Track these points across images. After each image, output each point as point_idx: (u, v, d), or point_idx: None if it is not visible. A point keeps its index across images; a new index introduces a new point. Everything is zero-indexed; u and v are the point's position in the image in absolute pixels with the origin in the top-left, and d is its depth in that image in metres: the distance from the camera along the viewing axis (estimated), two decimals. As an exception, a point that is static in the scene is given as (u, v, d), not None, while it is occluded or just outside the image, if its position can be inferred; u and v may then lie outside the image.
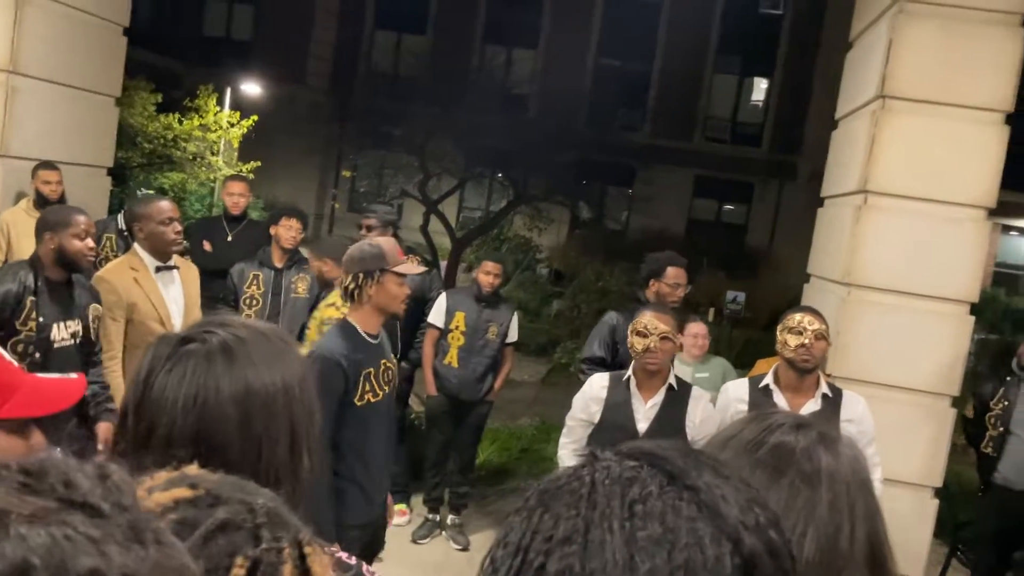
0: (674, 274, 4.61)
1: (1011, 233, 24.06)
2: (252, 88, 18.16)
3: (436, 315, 5.42)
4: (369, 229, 5.41)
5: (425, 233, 14.83)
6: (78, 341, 3.56)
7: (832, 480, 1.08)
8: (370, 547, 3.35)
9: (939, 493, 4.70)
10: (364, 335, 3.25)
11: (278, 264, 5.25)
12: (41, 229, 3.49)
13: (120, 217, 5.47)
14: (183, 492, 0.73)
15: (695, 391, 3.61)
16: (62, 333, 3.50)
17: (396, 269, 3.27)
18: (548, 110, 18.33)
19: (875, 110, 4.80)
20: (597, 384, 3.61)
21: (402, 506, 5.50)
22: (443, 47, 20.95)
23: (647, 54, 23.03)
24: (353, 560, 1.31)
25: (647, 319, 3.43)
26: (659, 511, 0.65)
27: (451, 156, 15.96)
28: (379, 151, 18.05)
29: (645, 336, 3.40)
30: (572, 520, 0.66)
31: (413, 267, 3.50)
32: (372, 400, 3.17)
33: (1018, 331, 17.28)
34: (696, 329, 5.45)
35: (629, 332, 3.49)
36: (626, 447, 0.72)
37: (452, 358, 5.36)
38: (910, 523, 4.53)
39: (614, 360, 4.47)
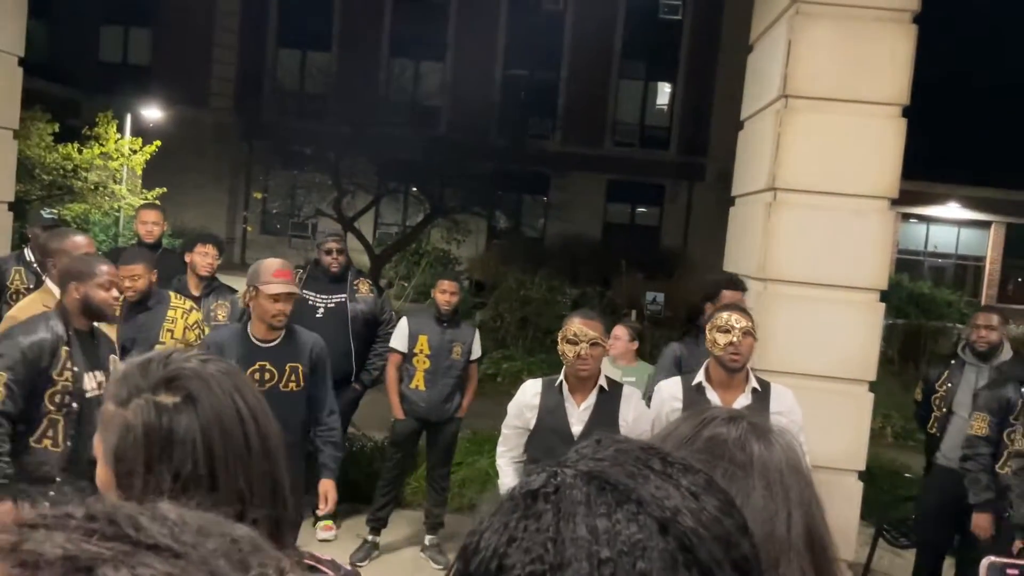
0: (729, 297, 4.47)
1: (911, 220, 25.13)
2: (153, 113, 17.72)
3: (398, 340, 5.38)
4: (340, 253, 5.56)
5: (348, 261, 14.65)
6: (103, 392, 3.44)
7: (765, 468, 1.10)
8: None
9: (862, 476, 4.86)
10: (252, 337, 3.86)
11: (195, 292, 5.13)
12: (66, 279, 3.50)
13: (27, 250, 5.26)
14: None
15: (626, 390, 3.67)
16: (91, 383, 3.48)
17: (264, 289, 3.74)
18: (459, 122, 18.36)
19: (779, 109, 4.95)
20: (530, 391, 3.64)
21: (328, 522, 5.43)
22: (349, 63, 20.79)
23: (553, 63, 23.32)
24: (348, 567, 1.30)
25: (576, 326, 3.46)
26: (620, 533, 0.65)
27: (364, 172, 15.85)
28: (290, 171, 17.82)
29: (575, 343, 3.43)
30: (539, 553, 0.64)
31: (278, 287, 3.77)
32: None
33: (923, 314, 18.03)
34: (617, 332, 5.51)
35: (560, 340, 3.52)
36: (580, 465, 0.71)
37: (419, 381, 5.33)
38: (837, 506, 4.66)
39: None
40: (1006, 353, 4.79)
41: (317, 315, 5.37)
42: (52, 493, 3.38)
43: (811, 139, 4.86)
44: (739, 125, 5.99)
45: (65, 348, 3.40)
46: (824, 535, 1.13)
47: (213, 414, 1.15)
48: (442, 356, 5.34)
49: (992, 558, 0.99)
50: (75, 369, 3.41)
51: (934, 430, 4.91)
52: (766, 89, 5.29)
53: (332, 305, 5.47)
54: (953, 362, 4.91)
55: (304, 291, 5.37)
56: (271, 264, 3.84)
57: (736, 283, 4.72)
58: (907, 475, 5.63)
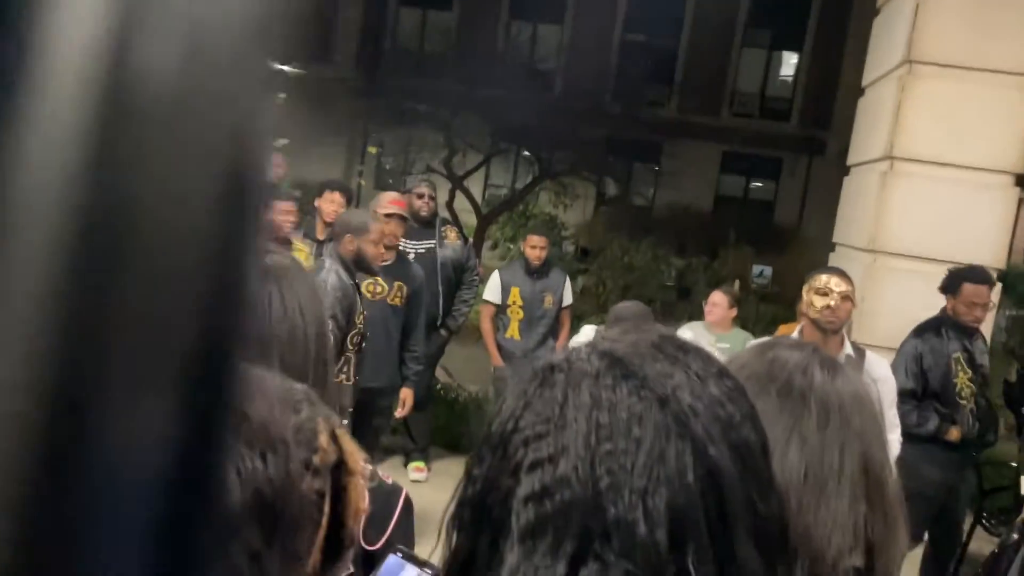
0: (972, 292, 4.11)
1: (1046, 208, 23.68)
2: (279, 66, 18.24)
3: (492, 292, 5.73)
4: (431, 198, 5.75)
5: (451, 209, 14.86)
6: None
7: (825, 395, 1.09)
8: None
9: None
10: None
11: (320, 236, 5.34)
12: (343, 231, 3.89)
13: None
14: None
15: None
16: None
17: (379, 210, 4.55)
18: (574, 86, 18.24)
19: (901, 75, 4.76)
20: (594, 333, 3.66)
21: (419, 463, 5.61)
22: (468, 23, 20.88)
23: (674, 29, 22.78)
24: (390, 481, 1.37)
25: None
26: (620, 402, 0.69)
27: (477, 132, 15.95)
28: (405, 128, 18.06)
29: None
30: (547, 415, 0.70)
31: (389, 208, 4.62)
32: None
33: (1051, 307, 17.04)
34: (715, 298, 5.44)
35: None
36: (598, 344, 0.76)
37: (514, 331, 5.63)
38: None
39: (925, 391, 4.24)
40: None
41: (409, 259, 5.53)
42: (345, 422, 3.63)
43: (934, 107, 4.67)
44: (861, 93, 5.79)
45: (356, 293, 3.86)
46: (884, 471, 1.12)
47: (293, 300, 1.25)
48: (535, 306, 5.58)
49: None
50: (365, 312, 3.90)
51: None
52: (890, 54, 5.09)
53: (422, 251, 5.61)
54: None
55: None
56: (389, 193, 4.74)
57: (981, 276, 4.21)
58: (1012, 463, 5.39)
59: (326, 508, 0.81)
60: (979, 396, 4.24)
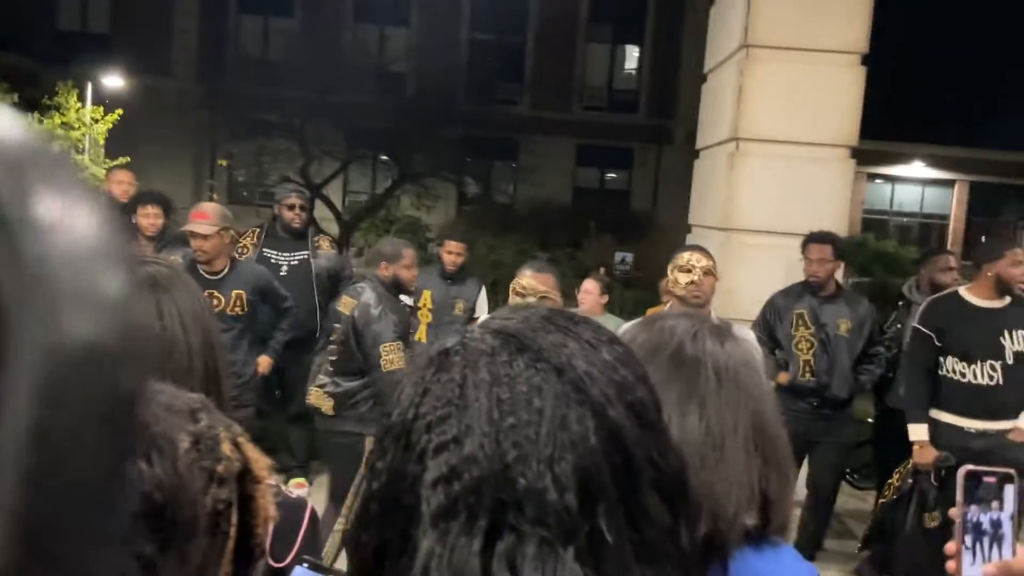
0: (813, 250, 4.54)
1: (876, 180, 25.36)
2: (115, 82, 17.39)
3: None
4: (303, 208, 5.60)
5: (311, 218, 14.57)
6: None
7: (716, 359, 1.12)
8: None
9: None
10: (200, 270, 4.38)
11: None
12: (376, 258, 4.27)
13: None
14: None
15: None
16: None
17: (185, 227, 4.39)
18: (426, 87, 18.21)
19: (740, 60, 4.99)
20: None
21: (300, 479, 5.49)
22: (313, 28, 20.49)
23: (520, 26, 23.12)
24: (295, 494, 1.33)
25: (526, 279, 3.50)
26: (519, 376, 0.70)
27: (331, 139, 15.70)
28: (255, 138, 17.58)
29: (524, 297, 3.47)
30: (448, 397, 0.71)
31: (191, 226, 4.36)
32: None
33: (888, 273, 18.25)
34: (587, 286, 5.56)
35: (510, 292, 3.56)
36: (490, 323, 0.77)
37: (421, 334, 5.50)
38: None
39: (772, 341, 4.68)
40: None
41: (281, 273, 5.37)
42: None
43: (772, 88, 4.91)
44: (703, 79, 6.02)
45: None
46: (776, 428, 1.16)
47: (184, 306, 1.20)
48: (444, 311, 5.50)
49: (969, 466, 1.03)
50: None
51: (886, 371, 4.95)
52: (728, 40, 5.32)
53: (295, 262, 5.47)
54: (901, 304, 4.96)
55: (264, 250, 5.45)
56: (196, 207, 4.54)
57: (821, 236, 4.58)
58: (868, 420, 5.74)
59: (233, 518, 0.77)
60: (821, 351, 4.52)
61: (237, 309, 4.46)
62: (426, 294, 5.53)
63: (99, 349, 0.26)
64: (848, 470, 5.81)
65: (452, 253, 5.56)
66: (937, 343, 4.08)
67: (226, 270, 4.49)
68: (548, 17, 22.67)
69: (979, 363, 3.99)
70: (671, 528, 0.72)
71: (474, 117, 18.31)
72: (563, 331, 0.75)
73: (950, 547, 1.01)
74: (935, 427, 4.13)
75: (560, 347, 0.72)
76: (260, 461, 0.80)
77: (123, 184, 5.81)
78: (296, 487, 5.44)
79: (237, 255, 5.66)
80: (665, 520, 0.71)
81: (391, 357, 3.97)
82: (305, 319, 5.24)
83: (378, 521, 0.73)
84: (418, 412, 0.71)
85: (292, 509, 1.27)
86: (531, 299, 3.43)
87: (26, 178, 0.26)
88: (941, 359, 4.09)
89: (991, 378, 3.98)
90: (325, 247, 5.67)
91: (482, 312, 5.65)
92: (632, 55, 24.57)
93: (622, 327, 4.01)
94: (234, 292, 4.44)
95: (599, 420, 0.69)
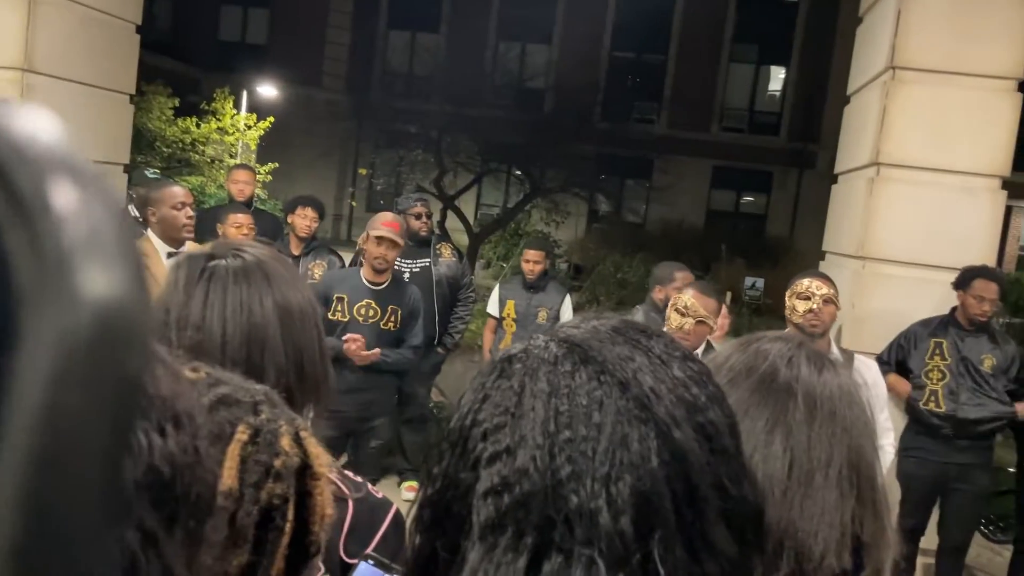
0: (981, 287, 4.27)
1: (1035, 216, 23.77)
2: (268, 91, 18.30)
3: (492, 306, 5.81)
4: (428, 216, 5.71)
5: (442, 228, 14.86)
6: None
7: (811, 387, 1.06)
8: None
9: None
10: (363, 278, 4.43)
11: (295, 252, 5.32)
12: (655, 282, 4.27)
13: (130, 206, 5.53)
14: (187, 373, 0.76)
15: None
16: None
17: (372, 232, 4.37)
18: (564, 103, 18.30)
19: (886, 81, 4.77)
20: None
21: (414, 482, 5.56)
22: (457, 44, 20.98)
23: (661, 45, 22.94)
24: (359, 479, 1.33)
25: (688, 299, 3.42)
26: (580, 388, 0.67)
27: (467, 151, 15.98)
28: (395, 149, 18.09)
29: (683, 315, 3.39)
30: (505, 405, 0.68)
31: (382, 232, 4.36)
32: None
33: (1044, 313, 17.06)
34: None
35: (669, 306, 3.49)
36: (557, 332, 0.74)
37: (507, 343, 5.55)
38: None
39: (897, 364, 4.52)
40: None
41: (404, 279, 5.49)
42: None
43: (918, 113, 4.67)
44: (846, 102, 5.80)
45: None
46: (873, 468, 1.09)
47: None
48: (529, 320, 5.58)
49: None
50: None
51: None
52: (874, 61, 5.11)
53: (417, 269, 5.58)
54: None
55: None
56: (384, 215, 4.59)
57: (992, 273, 4.36)
58: (1009, 469, 5.36)
59: (290, 514, 0.78)
60: (953, 384, 4.27)
61: (391, 325, 4.47)
62: (510, 304, 5.65)
63: (108, 334, 0.28)
64: (983, 520, 5.44)
65: (531, 262, 5.66)
66: None
67: (387, 283, 4.52)
68: (691, 35, 22.43)
69: None
70: (738, 562, 0.68)
71: (609, 135, 18.27)
72: (632, 344, 0.71)
73: None
74: None
75: (627, 360, 0.69)
76: (321, 457, 0.81)
77: (238, 184, 6.00)
78: (408, 490, 5.53)
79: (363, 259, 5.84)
80: (732, 553, 0.67)
81: None
82: (425, 326, 5.34)
83: (430, 528, 0.71)
84: (476, 419, 0.70)
85: (373, 508, 1.28)
86: (689, 321, 3.36)
87: (48, 172, 0.28)
88: None
89: None
90: (447, 255, 5.76)
91: (566, 318, 5.63)
92: (777, 76, 23.97)
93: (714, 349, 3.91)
94: (390, 307, 4.47)
95: (663, 441, 0.66)
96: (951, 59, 4.60)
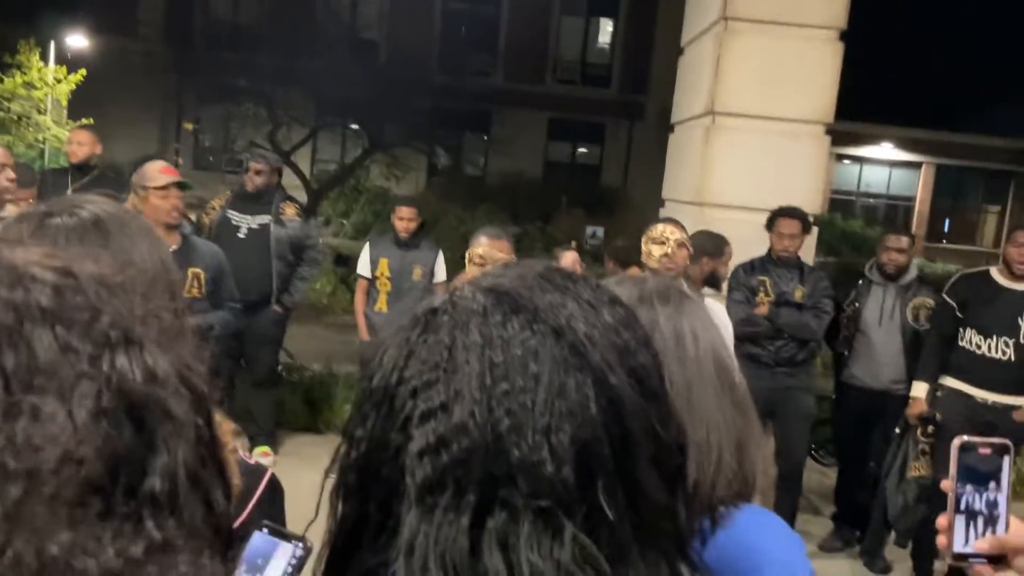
0: (782, 224, 4.62)
1: (844, 162, 25.57)
2: (78, 41, 16.98)
3: (362, 266, 5.62)
4: (258, 173, 5.39)
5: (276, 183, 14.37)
6: None
7: (668, 318, 1.09)
8: None
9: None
10: None
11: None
12: (700, 253, 4.07)
13: None
14: None
15: None
16: None
17: (153, 184, 3.73)
18: (399, 56, 18.00)
19: (719, 32, 4.94)
20: None
21: (264, 448, 5.43)
22: (284, -7, 20.14)
23: (494, -2, 22.91)
24: (252, 461, 1.27)
25: (483, 248, 3.52)
26: (513, 338, 0.65)
27: (301, 105, 15.47)
28: (223, 103, 17.30)
29: (481, 266, 3.48)
30: (435, 361, 0.65)
31: (164, 177, 3.79)
32: None
33: (855, 253, 18.46)
34: (570, 258, 5.50)
35: (467, 261, 3.61)
36: (482, 281, 0.71)
37: (382, 303, 5.50)
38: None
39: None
40: (911, 274, 4.89)
41: (239, 235, 5.30)
42: None
43: (750, 62, 4.88)
44: (677, 55, 5.98)
45: None
46: (734, 373, 1.13)
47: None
48: (403, 278, 5.47)
49: (964, 437, 0.99)
50: None
51: (843, 349, 5.01)
52: (707, 13, 5.27)
53: (255, 226, 5.37)
54: (860, 282, 4.98)
55: (228, 211, 5.39)
56: (154, 163, 3.96)
57: (790, 211, 4.68)
58: (832, 397, 5.79)
59: None
60: (774, 314, 4.64)
61: (195, 291, 3.90)
62: (383, 262, 5.52)
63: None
64: (813, 446, 5.86)
65: (404, 219, 5.52)
66: (959, 315, 4.35)
67: (178, 246, 3.87)
68: (523, -12, 22.48)
69: (995, 338, 4.24)
70: (668, 506, 0.68)
71: (446, 88, 18.14)
72: (561, 290, 0.69)
73: (941, 521, 0.98)
74: (946, 393, 4.38)
75: (559, 307, 0.67)
76: (224, 425, 0.75)
77: (81, 145, 5.64)
78: (262, 455, 5.38)
79: (205, 215, 5.56)
80: (662, 498, 0.67)
81: None
82: (259, 283, 5.17)
83: (357, 493, 0.68)
84: (402, 376, 0.66)
85: (249, 475, 1.23)
86: (489, 268, 3.40)
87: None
88: (961, 330, 4.36)
89: (1003, 353, 4.23)
90: (290, 214, 5.56)
91: (440, 276, 5.62)
92: (606, 29, 24.46)
93: None
94: (190, 271, 3.90)
95: (599, 388, 0.65)
96: (780, 9, 4.82)
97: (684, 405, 1.01)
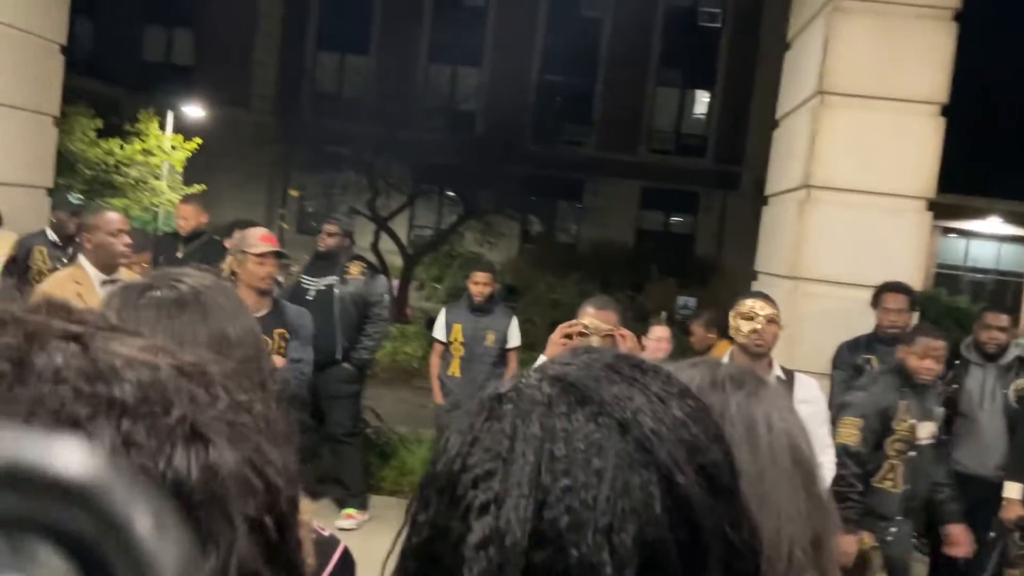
0: (888, 299, 4.54)
1: (950, 235, 24.72)
2: (195, 112, 17.96)
3: (438, 330, 5.72)
4: (331, 235, 5.57)
5: (376, 251, 14.76)
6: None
7: (740, 404, 1.06)
8: None
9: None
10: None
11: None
12: None
13: (48, 229, 5.42)
14: None
15: None
16: (925, 432, 3.94)
17: (251, 250, 3.86)
18: (495, 126, 18.42)
19: (815, 106, 4.91)
20: None
21: (350, 510, 5.44)
22: (387, 66, 20.93)
23: (590, 68, 23.29)
24: (327, 533, 1.28)
25: (588, 319, 3.45)
26: (577, 432, 0.64)
27: (399, 174, 15.94)
28: (326, 171, 17.95)
29: (587, 336, 3.41)
30: (496, 450, 0.65)
31: (263, 247, 3.91)
32: None
33: (960, 329, 17.71)
34: (660, 333, 5.43)
35: (557, 335, 3.53)
36: (548, 369, 0.70)
37: (455, 368, 5.59)
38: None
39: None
40: (1011, 354, 4.64)
41: (307, 296, 5.41)
42: (893, 529, 3.99)
43: (846, 136, 4.82)
44: (775, 126, 5.95)
45: (904, 402, 3.86)
46: (812, 462, 1.10)
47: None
48: (476, 343, 5.53)
49: None
50: (911, 420, 3.86)
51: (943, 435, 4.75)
52: (802, 86, 5.25)
53: (323, 287, 5.50)
54: (958, 362, 4.73)
55: (302, 276, 5.55)
56: (256, 230, 4.15)
57: (896, 285, 4.58)
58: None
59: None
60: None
61: (281, 352, 4.00)
62: (456, 328, 5.58)
63: None
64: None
65: (479, 284, 5.58)
66: None
67: (267, 310, 4.01)
68: (619, 60, 22.81)
69: None
70: None
71: (540, 156, 18.44)
72: (628, 381, 0.67)
73: None
74: None
75: (625, 400, 0.65)
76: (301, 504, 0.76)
77: (187, 220, 5.91)
78: (346, 519, 5.38)
79: (285, 279, 5.71)
80: None
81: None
82: (323, 342, 5.24)
83: None
84: (465, 464, 0.65)
85: (322, 547, 1.22)
86: (595, 340, 3.37)
87: (128, 500, 0.31)
88: None
89: None
90: (354, 272, 5.65)
91: (514, 342, 5.66)
92: (702, 100, 24.54)
93: None
94: (276, 332, 4.00)
95: (666, 487, 0.63)
96: (877, 83, 4.76)
97: (754, 497, 1.00)
